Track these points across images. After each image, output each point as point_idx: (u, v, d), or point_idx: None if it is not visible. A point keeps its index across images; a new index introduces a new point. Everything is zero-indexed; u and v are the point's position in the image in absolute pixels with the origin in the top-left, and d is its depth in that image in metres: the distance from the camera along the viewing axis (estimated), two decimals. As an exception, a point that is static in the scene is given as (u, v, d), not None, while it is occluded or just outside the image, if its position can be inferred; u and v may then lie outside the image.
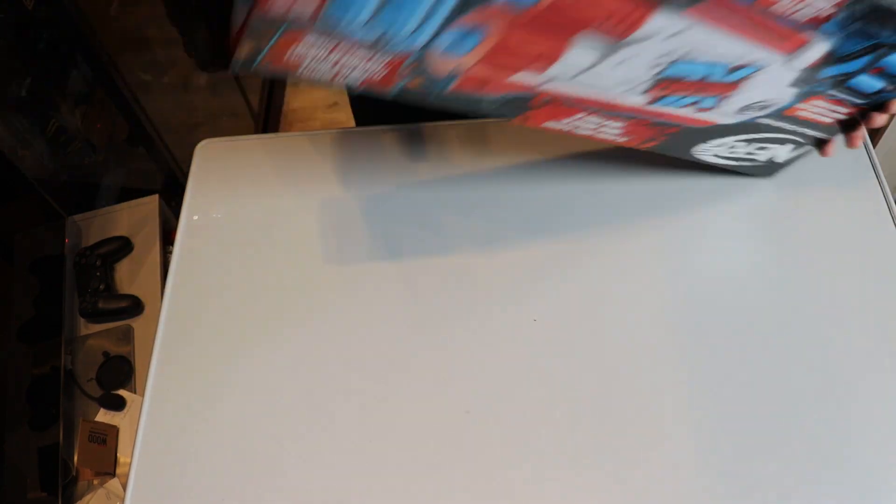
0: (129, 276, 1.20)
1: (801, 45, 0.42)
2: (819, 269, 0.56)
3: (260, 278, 0.60)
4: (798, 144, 0.55)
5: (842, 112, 0.50)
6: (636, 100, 0.45)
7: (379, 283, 0.59)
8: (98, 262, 1.17)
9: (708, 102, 0.47)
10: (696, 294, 0.56)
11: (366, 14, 0.36)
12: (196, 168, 0.68)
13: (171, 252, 0.64)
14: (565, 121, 0.47)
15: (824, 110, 0.50)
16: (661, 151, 0.53)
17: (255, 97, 1.80)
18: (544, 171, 0.64)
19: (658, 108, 0.46)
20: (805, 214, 0.59)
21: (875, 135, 1.00)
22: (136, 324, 1.15)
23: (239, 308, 0.59)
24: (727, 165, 0.57)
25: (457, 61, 0.40)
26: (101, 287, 1.15)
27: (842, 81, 0.47)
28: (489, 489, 0.49)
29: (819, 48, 0.43)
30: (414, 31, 0.37)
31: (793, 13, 0.40)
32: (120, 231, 1.23)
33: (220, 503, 0.51)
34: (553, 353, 0.54)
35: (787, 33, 0.41)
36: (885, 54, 0.44)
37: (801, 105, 0.49)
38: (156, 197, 1.28)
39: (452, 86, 0.41)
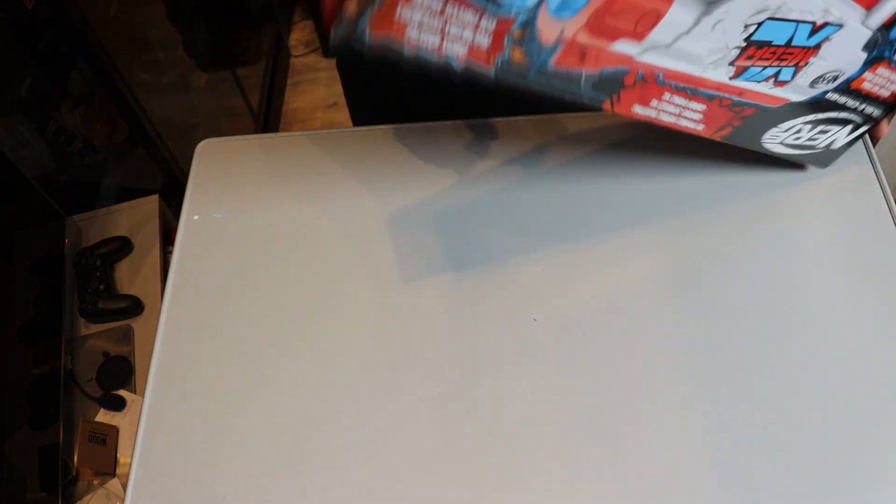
0: (129, 276, 1.20)
1: None
2: (819, 269, 0.56)
3: (260, 278, 0.60)
4: (856, 126, 0.56)
5: None
6: (722, 73, 0.46)
7: (379, 283, 0.59)
8: (98, 262, 1.17)
9: (786, 74, 0.48)
10: (695, 293, 0.56)
11: None
12: (196, 168, 0.68)
13: (171, 252, 0.64)
14: (653, 103, 0.48)
15: (885, 81, 0.51)
16: (734, 141, 0.54)
17: (255, 97, 1.80)
18: (545, 171, 0.64)
19: (740, 83, 0.48)
20: (805, 214, 0.60)
21: (875, 135, 1.00)
22: (136, 324, 1.15)
23: (239, 308, 0.59)
24: (788, 155, 0.58)
25: (563, 24, 0.40)
26: (101, 287, 1.15)
27: None
28: (489, 489, 0.49)
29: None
30: None
31: None
32: (120, 231, 1.24)
33: (220, 503, 0.51)
34: (554, 352, 0.54)
35: None
36: None
37: (867, 75, 0.50)
38: (156, 197, 1.28)
39: (554, 58, 0.41)
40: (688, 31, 0.43)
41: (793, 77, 0.48)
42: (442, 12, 0.38)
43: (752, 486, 0.48)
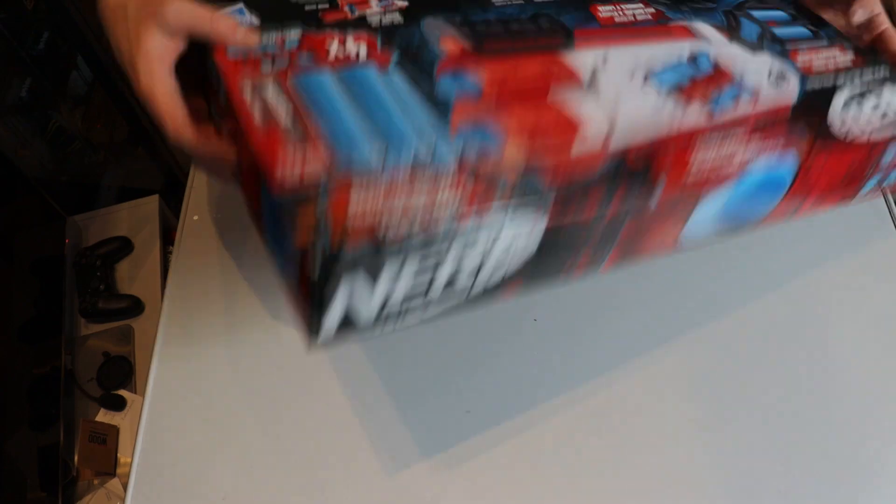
0: (129, 276, 1.20)
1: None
2: (818, 269, 0.56)
3: (260, 278, 0.60)
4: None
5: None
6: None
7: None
8: (98, 262, 1.17)
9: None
10: (695, 294, 0.56)
11: (370, 132, 0.31)
12: (196, 168, 0.68)
13: (171, 252, 0.64)
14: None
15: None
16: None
17: (255, 97, 1.80)
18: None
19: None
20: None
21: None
22: (136, 324, 1.15)
23: (239, 308, 0.59)
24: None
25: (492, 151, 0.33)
26: (101, 287, 1.15)
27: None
28: (489, 489, 0.49)
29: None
30: (427, 123, 0.32)
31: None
32: (120, 231, 1.24)
33: (220, 503, 0.51)
34: (553, 352, 0.54)
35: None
36: None
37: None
38: (156, 197, 1.28)
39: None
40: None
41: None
42: (391, 194, 0.30)
43: (754, 490, 0.48)
